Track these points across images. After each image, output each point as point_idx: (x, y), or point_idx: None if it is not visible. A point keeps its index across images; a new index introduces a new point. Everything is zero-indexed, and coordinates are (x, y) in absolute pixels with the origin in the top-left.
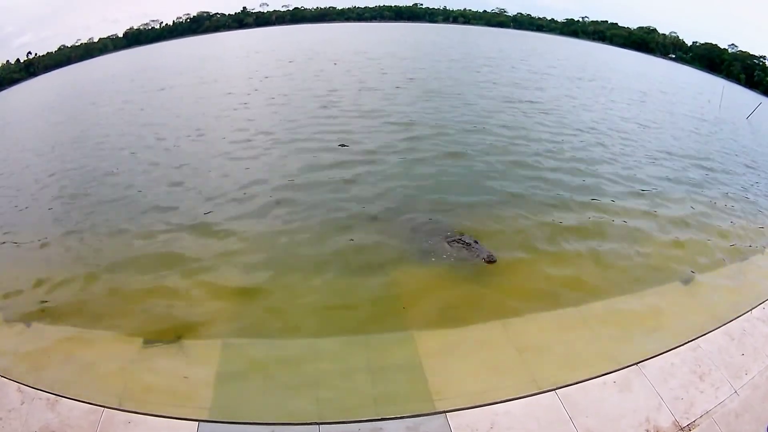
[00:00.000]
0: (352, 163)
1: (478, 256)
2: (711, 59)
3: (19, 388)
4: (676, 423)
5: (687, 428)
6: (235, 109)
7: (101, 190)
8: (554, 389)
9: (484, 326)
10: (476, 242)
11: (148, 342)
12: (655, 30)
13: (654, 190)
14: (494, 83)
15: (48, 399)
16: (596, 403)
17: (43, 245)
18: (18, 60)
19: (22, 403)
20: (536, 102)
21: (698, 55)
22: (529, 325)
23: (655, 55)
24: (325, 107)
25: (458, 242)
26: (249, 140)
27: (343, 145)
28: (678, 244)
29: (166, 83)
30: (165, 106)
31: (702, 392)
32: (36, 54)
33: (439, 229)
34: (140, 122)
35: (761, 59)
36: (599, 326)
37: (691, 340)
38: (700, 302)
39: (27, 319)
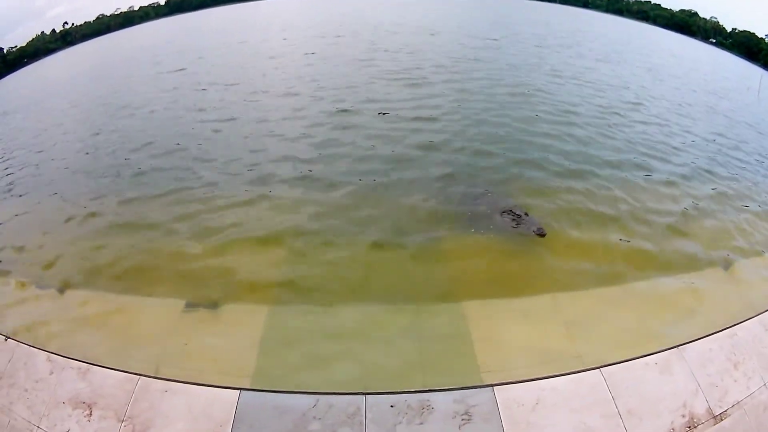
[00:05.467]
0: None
1: (528, 228)
2: (749, 47)
3: (48, 357)
4: (709, 410)
5: (719, 417)
6: None
7: (146, 155)
8: (599, 367)
9: (532, 299)
10: (527, 214)
11: (190, 306)
12: (696, 14)
13: (702, 171)
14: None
15: (79, 368)
16: (638, 384)
17: (84, 210)
18: (54, 30)
19: (51, 372)
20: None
21: (737, 42)
22: (576, 300)
23: (696, 39)
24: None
25: (509, 213)
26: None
27: (383, 113)
28: (720, 228)
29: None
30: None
31: (735, 381)
32: (73, 24)
33: (491, 198)
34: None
35: None
36: (643, 305)
37: (728, 327)
38: (738, 289)
39: (61, 285)
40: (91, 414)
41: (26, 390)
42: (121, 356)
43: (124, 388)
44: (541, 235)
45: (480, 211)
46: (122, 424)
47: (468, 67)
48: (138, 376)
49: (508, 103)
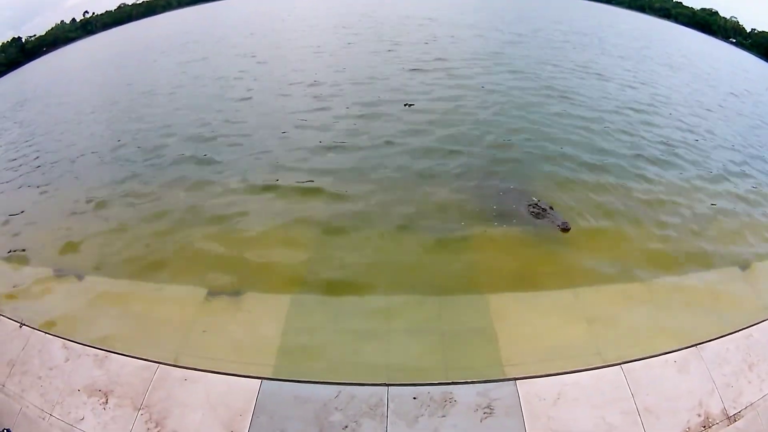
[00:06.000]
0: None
1: (552, 222)
2: (767, 47)
3: (64, 344)
4: (724, 411)
5: (733, 418)
6: None
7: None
8: (619, 363)
9: (555, 294)
10: (551, 208)
11: (212, 294)
12: (716, 13)
13: (725, 172)
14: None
15: (96, 355)
16: (657, 382)
17: (103, 197)
18: (74, 19)
19: (67, 360)
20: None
21: (757, 42)
22: (598, 295)
23: (716, 38)
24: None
25: (534, 207)
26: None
27: (408, 105)
28: (739, 228)
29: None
30: None
31: (750, 382)
32: (93, 13)
33: (516, 192)
34: None
35: None
36: (663, 303)
37: (745, 328)
38: (755, 290)
39: (80, 272)
40: (107, 402)
41: (40, 377)
42: (140, 344)
43: (142, 376)
44: (566, 229)
45: (505, 205)
46: (139, 413)
47: (488, 63)
48: (157, 364)
49: (531, 103)
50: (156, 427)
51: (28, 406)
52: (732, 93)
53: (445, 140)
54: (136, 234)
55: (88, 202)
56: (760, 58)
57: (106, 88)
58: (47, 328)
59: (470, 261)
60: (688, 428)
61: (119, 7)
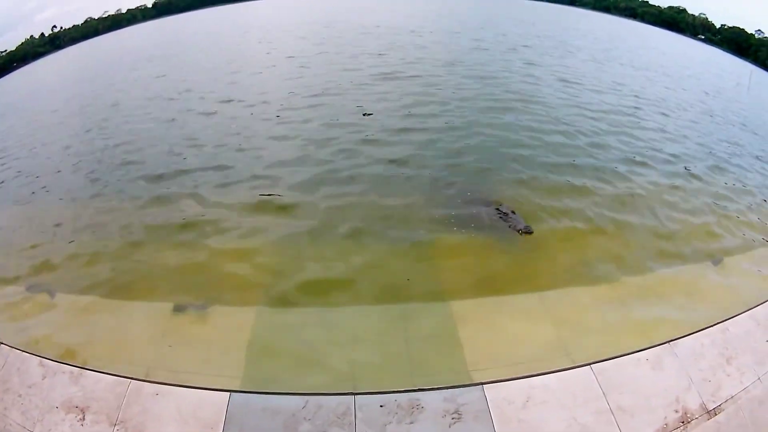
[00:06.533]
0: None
1: (515, 226)
2: (738, 43)
3: (40, 362)
4: (703, 405)
5: (713, 412)
6: None
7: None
8: (589, 364)
9: (520, 297)
10: (513, 212)
11: (178, 309)
12: (684, 10)
13: (691, 169)
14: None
15: (72, 372)
16: (629, 380)
17: (68, 213)
18: (42, 34)
19: (44, 377)
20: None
21: (726, 38)
22: (564, 297)
23: (684, 35)
24: None
25: (496, 212)
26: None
27: (367, 114)
28: (710, 224)
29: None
30: None
31: (728, 376)
32: (62, 27)
33: (478, 198)
34: None
35: None
36: (632, 302)
37: (720, 322)
38: (729, 284)
39: (52, 289)
40: (84, 418)
41: (20, 395)
42: (112, 360)
43: (115, 391)
44: (528, 232)
45: (468, 211)
46: (115, 428)
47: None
48: (129, 380)
49: (491, 108)
50: None
51: (11, 424)
52: (703, 91)
53: (404, 147)
54: (103, 251)
55: (57, 221)
56: (731, 53)
57: (77, 103)
58: (24, 346)
59: (433, 268)
60: (666, 425)
61: (86, 21)
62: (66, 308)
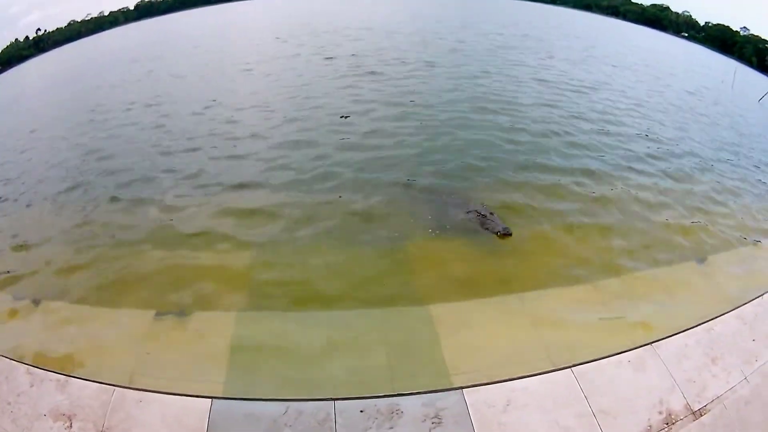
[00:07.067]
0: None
1: (494, 228)
2: (723, 40)
3: (28, 370)
4: (687, 406)
5: (699, 412)
6: None
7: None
8: (570, 366)
9: (499, 300)
10: (492, 214)
11: (160, 315)
12: (668, 8)
13: (672, 169)
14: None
15: (58, 380)
16: (611, 383)
17: (46, 221)
18: (27, 37)
19: (32, 385)
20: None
21: (710, 35)
22: (545, 300)
23: (668, 33)
24: None
25: (474, 213)
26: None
27: (344, 117)
28: (693, 224)
29: None
30: None
31: (714, 376)
32: (45, 30)
33: (456, 200)
34: None
35: None
36: (614, 303)
37: (704, 322)
38: (713, 283)
39: (36, 297)
40: (71, 426)
41: (9, 403)
42: (97, 367)
43: (100, 399)
44: (507, 234)
45: (445, 213)
46: None
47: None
48: (113, 387)
49: (468, 110)
50: None
51: None
52: (686, 89)
53: (380, 151)
54: (84, 259)
55: (35, 229)
56: (715, 50)
57: (64, 108)
58: (11, 354)
59: (412, 271)
60: (650, 426)
61: (69, 24)
62: (51, 316)
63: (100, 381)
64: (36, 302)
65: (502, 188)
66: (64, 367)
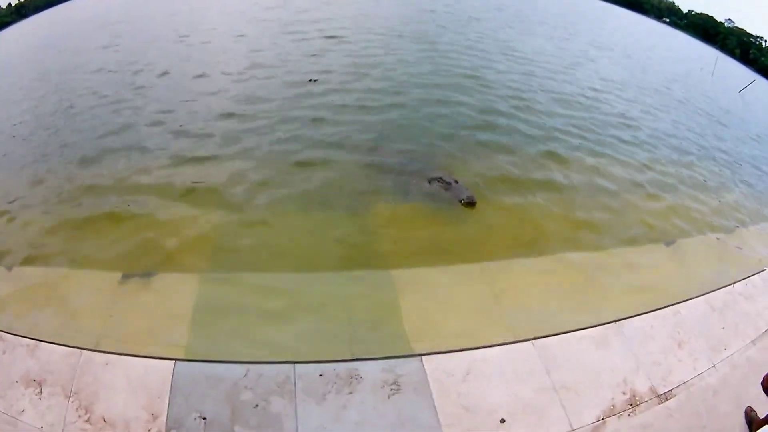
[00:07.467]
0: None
1: (458, 196)
2: (706, 29)
3: (1, 336)
4: (653, 389)
5: (664, 396)
6: None
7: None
8: (532, 339)
9: (462, 269)
10: (456, 182)
11: (126, 277)
12: None
13: (644, 151)
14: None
15: (28, 345)
16: (573, 358)
17: (9, 185)
18: (9, 4)
19: (4, 352)
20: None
21: (693, 23)
22: (508, 271)
23: (648, 17)
24: None
25: (438, 181)
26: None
27: (313, 80)
28: (662, 206)
29: None
30: None
31: (680, 361)
32: None
33: (419, 167)
34: None
35: (758, 39)
36: (578, 278)
37: (671, 305)
38: (682, 267)
39: (8, 263)
40: (41, 392)
41: None
42: (64, 331)
43: (68, 362)
44: (471, 203)
45: (409, 180)
46: (69, 400)
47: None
48: (81, 350)
49: (439, 83)
50: (86, 413)
51: None
52: (666, 75)
53: (343, 118)
54: (47, 223)
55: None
56: (697, 38)
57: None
58: None
59: (374, 238)
60: (613, 406)
61: None
62: (22, 281)
63: (68, 344)
64: (9, 268)
65: (467, 157)
66: (34, 332)
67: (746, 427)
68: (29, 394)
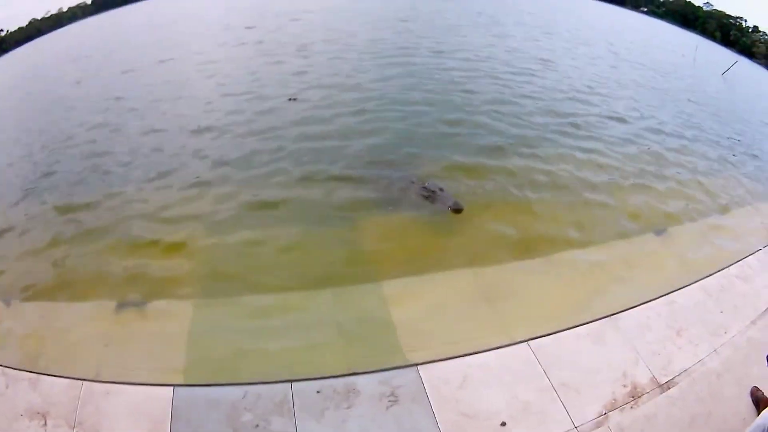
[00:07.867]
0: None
1: (444, 203)
2: (685, 15)
3: (2, 371)
4: (654, 379)
5: (666, 385)
6: None
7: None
8: (527, 340)
9: (452, 275)
10: (441, 189)
11: (120, 306)
12: None
13: (630, 143)
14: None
15: (30, 379)
16: (571, 356)
17: (18, 219)
18: None
19: (7, 386)
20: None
21: (671, 10)
22: (499, 274)
23: (626, 8)
24: None
25: (423, 190)
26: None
27: (292, 99)
28: (650, 196)
29: None
30: None
31: (680, 348)
32: (7, 31)
33: (402, 177)
34: None
35: (738, 19)
36: (571, 276)
37: (666, 294)
38: (674, 255)
39: (8, 297)
40: (46, 424)
41: None
42: (65, 363)
43: (70, 394)
44: (458, 210)
45: (393, 189)
46: (74, 431)
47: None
48: (82, 381)
49: (415, 86)
50: None
51: None
52: (647, 64)
53: (322, 128)
54: (40, 255)
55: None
56: (676, 25)
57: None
58: None
59: (361, 250)
60: (615, 399)
61: (30, 22)
62: (22, 314)
63: (69, 376)
64: (7, 303)
65: (452, 164)
66: (36, 365)
67: (753, 407)
68: (34, 427)
